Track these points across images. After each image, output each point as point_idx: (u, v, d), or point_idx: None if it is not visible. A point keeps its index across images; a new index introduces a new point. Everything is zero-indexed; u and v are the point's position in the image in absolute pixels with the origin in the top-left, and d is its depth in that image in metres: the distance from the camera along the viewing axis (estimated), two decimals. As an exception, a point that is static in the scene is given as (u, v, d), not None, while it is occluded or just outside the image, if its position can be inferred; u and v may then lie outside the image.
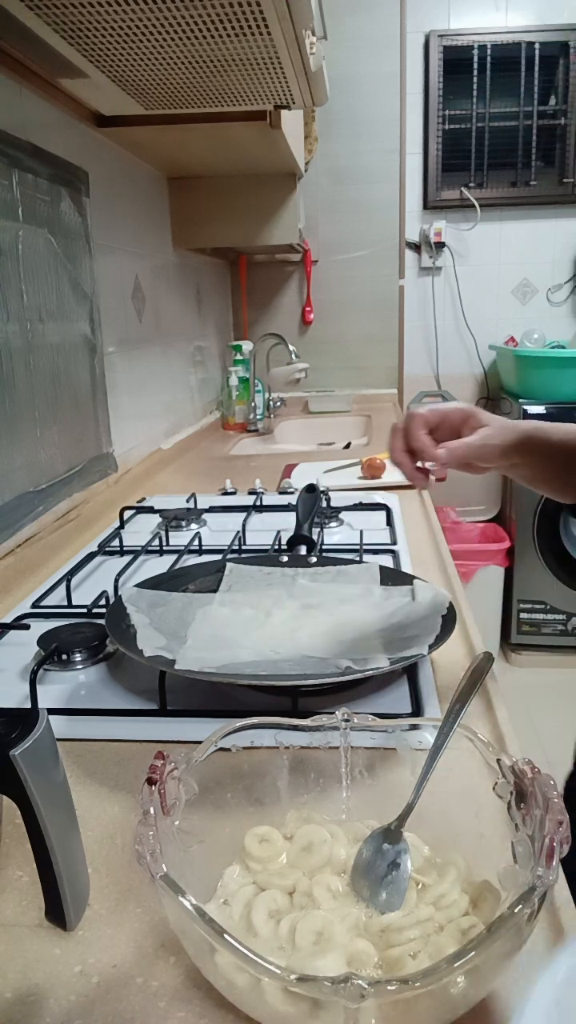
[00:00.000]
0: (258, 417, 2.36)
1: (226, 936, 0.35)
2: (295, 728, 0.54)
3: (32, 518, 1.13)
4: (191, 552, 1.12)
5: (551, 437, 0.73)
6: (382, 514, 1.30)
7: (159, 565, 1.09)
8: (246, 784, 0.52)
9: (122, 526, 1.28)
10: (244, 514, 1.29)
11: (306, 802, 0.53)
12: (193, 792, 0.47)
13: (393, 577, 0.90)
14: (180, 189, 1.99)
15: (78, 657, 0.80)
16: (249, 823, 0.50)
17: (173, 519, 1.29)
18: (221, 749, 0.50)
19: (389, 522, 1.26)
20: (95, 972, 0.44)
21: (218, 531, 1.27)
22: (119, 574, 0.98)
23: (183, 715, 0.69)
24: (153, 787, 0.43)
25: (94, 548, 1.15)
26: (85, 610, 0.91)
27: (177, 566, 1.04)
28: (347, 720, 0.54)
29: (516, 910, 0.36)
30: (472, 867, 0.48)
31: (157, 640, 0.74)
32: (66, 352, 1.26)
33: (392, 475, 1.55)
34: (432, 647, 0.70)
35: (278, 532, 1.15)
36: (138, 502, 1.45)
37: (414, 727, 0.55)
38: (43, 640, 0.82)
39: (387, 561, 1.05)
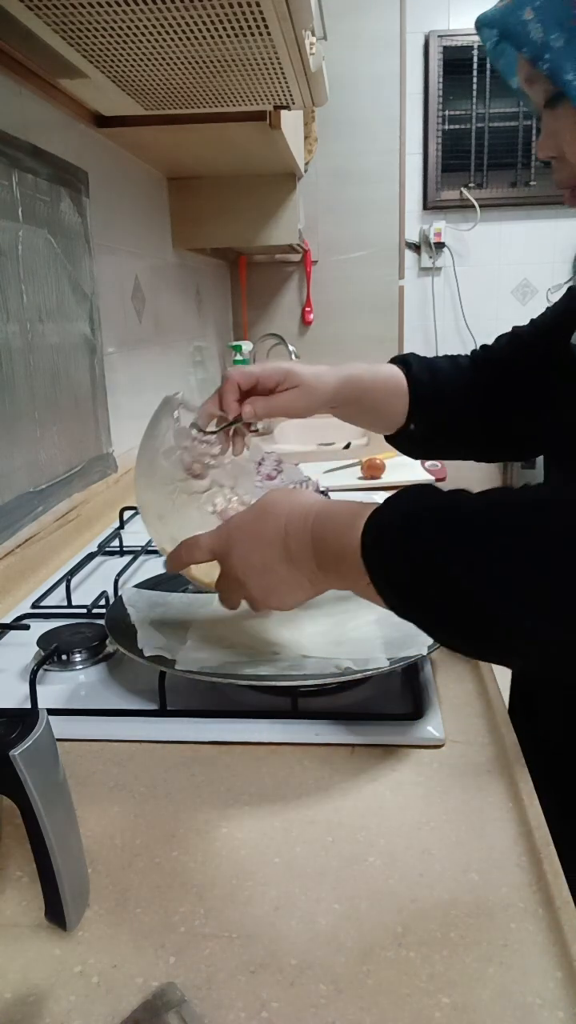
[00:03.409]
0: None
1: None
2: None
3: (32, 518, 1.12)
4: (191, 552, 1.12)
5: (359, 387, 0.80)
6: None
7: (159, 565, 1.09)
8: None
9: (122, 526, 1.28)
10: (244, 514, 1.29)
11: None
12: None
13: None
14: (180, 189, 1.99)
15: (78, 657, 0.80)
16: None
17: (173, 519, 1.28)
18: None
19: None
20: (95, 972, 0.44)
21: (218, 531, 1.27)
22: (119, 574, 0.98)
23: (183, 715, 0.69)
24: None
25: (94, 548, 1.15)
26: (85, 610, 0.91)
27: (177, 566, 1.04)
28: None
29: None
30: None
31: (157, 640, 0.74)
32: (66, 352, 1.26)
33: (392, 475, 1.55)
34: (432, 647, 0.70)
35: (278, 532, 1.15)
36: (138, 502, 1.45)
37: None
38: (43, 640, 0.82)
39: (387, 561, 1.05)
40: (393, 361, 0.84)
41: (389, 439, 0.88)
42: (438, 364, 0.86)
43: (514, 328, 0.86)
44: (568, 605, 0.41)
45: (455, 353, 0.89)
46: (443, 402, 0.83)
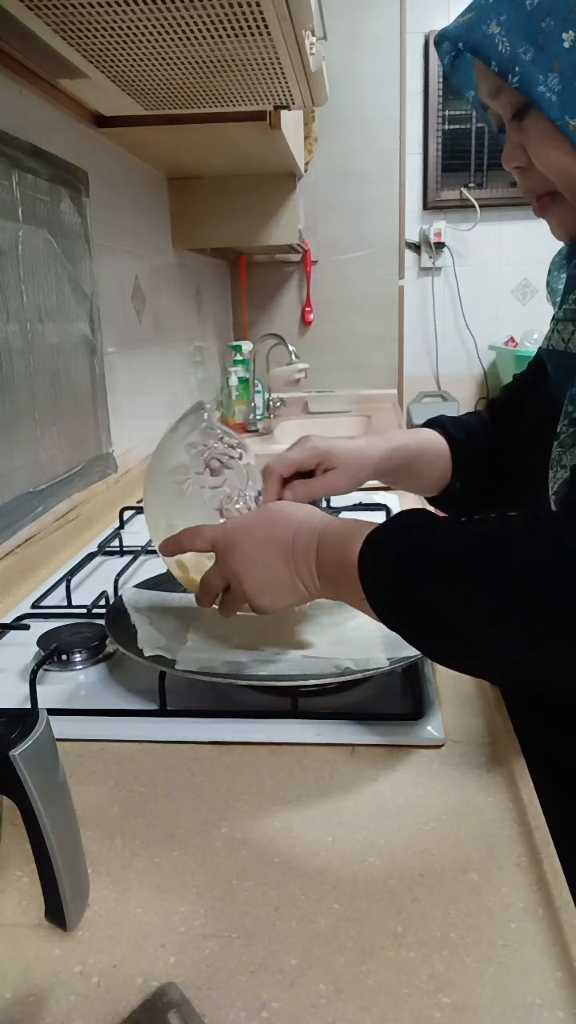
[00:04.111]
0: (258, 417, 2.36)
1: None
2: None
3: (32, 518, 1.13)
4: (191, 552, 1.12)
5: (403, 456, 0.82)
6: (382, 514, 1.30)
7: (159, 565, 1.09)
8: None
9: (122, 526, 1.28)
10: (244, 514, 1.29)
11: None
12: None
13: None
14: (180, 189, 1.99)
15: (78, 657, 0.80)
16: None
17: (173, 519, 1.28)
18: None
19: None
20: (95, 972, 0.44)
21: (218, 531, 1.27)
22: (119, 574, 0.98)
23: (183, 715, 0.69)
24: None
25: (94, 548, 1.15)
26: (85, 610, 0.91)
27: (177, 566, 1.04)
28: None
29: None
30: None
31: (157, 640, 0.74)
32: (66, 352, 1.26)
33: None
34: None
35: (278, 532, 1.15)
36: (138, 502, 1.45)
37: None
38: (43, 640, 0.82)
39: (387, 561, 1.05)
40: (427, 425, 0.88)
41: (433, 501, 0.90)
42: (466, 421, 0.89)
43: (515, 375, 0.88)
44: (530, 630, 0.45)
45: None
46: (479, 455, 0.85)
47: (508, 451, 0.83)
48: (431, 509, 0.88)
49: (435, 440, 0.85)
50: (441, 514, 0.90)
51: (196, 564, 0.73)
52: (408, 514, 0.55)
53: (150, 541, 1.15)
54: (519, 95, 0.57)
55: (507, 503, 0.87)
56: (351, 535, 0.56)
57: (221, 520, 0.72)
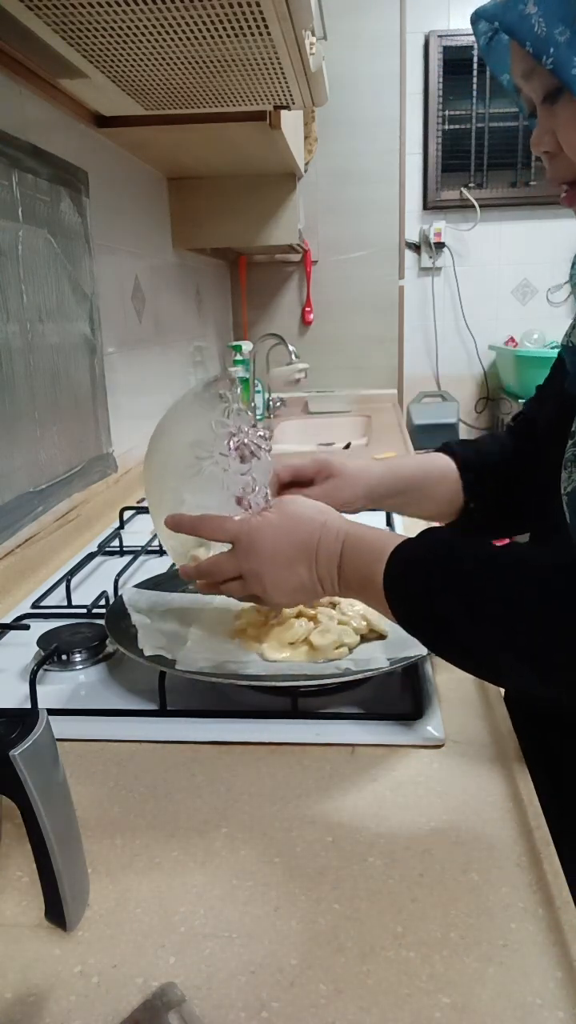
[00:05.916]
0: (258, 417, 2.36)
1: None
2: None
3: (32, 518, 1.13)
4: (191, 552, 1.12)
5: (403, 476, 0.82)
6: (382, 514, 1.30)
7: (159, 565, 1.09)
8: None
9: (122, 526, 1.28)
10: (244, 514, 1.29)
11: None
12: None
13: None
14: (180, 189, 1.99)
15: (78, 657, 0.80)
16: None
17: (173, 519, 1.28)
18: None
19: (389, 522, 1.26)
20: (95, 972, 0.44)
21: (218, 531, 1.27)
22: (119, 574, 0.98)
23: (183, 715, 0.69)
24: None
25: (94, 548, 1.15)
26: (85, 610, 0.91)
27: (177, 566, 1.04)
28: None
29: None
30: None
31: (157, 640, 0.74)
32: (66, 352, 1.26)
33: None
34: (432, 647, 0.70)
35: (278, 532, 1.14)
36: (138, 502, 1.45)
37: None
38: (43, 640, 0.82)
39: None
40: (437, 450, 0.87)
41: (452, 526, 0.87)
42: (480, 441, 0.88)
43: (538, 387, 0.86)
44: (538, 654, 0.49)
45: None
46: (493, 475, 0.83)
47: (537, 464, 0.80)
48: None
49: (440, 463, 0.83)
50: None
51: (190, 547, 0.74)
52: (433, 531, 0.58)
53: (150, 541, 1.15)
54: (552, 78, 0.56)
55: (540, 520, 0.85)
56: (377, 550, 0.57)
57: (238, 506, 0.71)
